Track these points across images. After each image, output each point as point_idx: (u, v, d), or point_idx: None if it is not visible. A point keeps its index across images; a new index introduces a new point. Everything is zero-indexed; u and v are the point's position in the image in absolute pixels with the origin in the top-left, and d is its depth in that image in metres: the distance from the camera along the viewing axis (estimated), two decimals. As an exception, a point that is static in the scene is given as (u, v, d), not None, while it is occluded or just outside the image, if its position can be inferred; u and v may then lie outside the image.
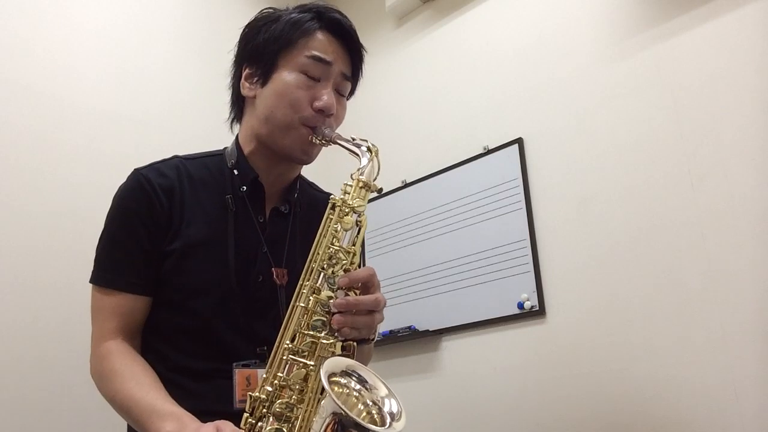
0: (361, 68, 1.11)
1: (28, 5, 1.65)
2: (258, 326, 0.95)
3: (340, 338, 0.88)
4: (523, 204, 1.82)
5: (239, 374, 0.92)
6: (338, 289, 0.91)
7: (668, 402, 1.45)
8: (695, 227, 1.49)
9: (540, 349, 1.70)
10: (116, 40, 1.84)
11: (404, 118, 2.25)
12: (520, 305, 1.75)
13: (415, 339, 1.95)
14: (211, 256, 1.00)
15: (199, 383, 0.83)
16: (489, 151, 1.95)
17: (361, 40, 1.09)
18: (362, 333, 0.88)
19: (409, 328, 1.96)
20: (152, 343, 1.01)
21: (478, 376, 1.81)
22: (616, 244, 1.62)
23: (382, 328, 2.01)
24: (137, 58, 1.87)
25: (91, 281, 1.02)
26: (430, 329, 1.92)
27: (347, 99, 1.13)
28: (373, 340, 1.00)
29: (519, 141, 1.88)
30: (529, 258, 1.76)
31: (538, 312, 1.71)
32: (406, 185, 2.16)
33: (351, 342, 0.89)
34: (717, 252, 1.45)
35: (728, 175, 1.47)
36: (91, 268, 1.05)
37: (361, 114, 2.24)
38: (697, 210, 1.49)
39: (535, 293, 1.72)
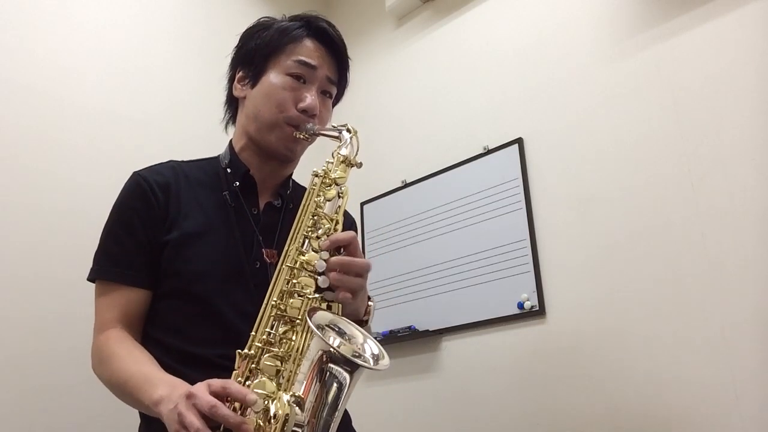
0: (347, 76, 1.19)
1: (28, 5, 1.65)
2: (257, 310, 0.96)
3: (326, 299, 0.94)
4: (523, 204, 1.82)
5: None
6: (322, 251, 0.96)
7: (668, 402, 1.45)
8: (695, 227, 1.49)
9: (540, 349, 1.70)
10: (116, 40, 1.84)
11: (404, 118, 2.25)
12: (520, 305, 1.75)
13: (415, 339, 1.95)
14: (209, 244, 1.04)
15: (203, 371, 0.84)
16: (489, 151, 1.95)
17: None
18: (344, 297, 0.93)
19: (409, 328, 1.96)
20: (155, 335, 1.03)
21: (478, 376, 1.81)
22: (616, 244, 1.61)
23: (382, 328, 2.01)
24: (137, 58, 1.87)
25: (90, 277, 1.05)
26: (430, 329, 1.92)
27: (334, 105, 1.21)
28: (367, 322, 1.03)
29: (519, 141, 1.88)
30: (529, 258, 1.76)
31: (538, 312, 1.71)
32: (406, 185, 2.16)
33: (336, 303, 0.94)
34: (717, 252, 1.45)
35: (728, 175, 1.46)
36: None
37: (361, 114, 2.25)
38: (697, 210, 1.49)
39: (535, 293, 1.72)
